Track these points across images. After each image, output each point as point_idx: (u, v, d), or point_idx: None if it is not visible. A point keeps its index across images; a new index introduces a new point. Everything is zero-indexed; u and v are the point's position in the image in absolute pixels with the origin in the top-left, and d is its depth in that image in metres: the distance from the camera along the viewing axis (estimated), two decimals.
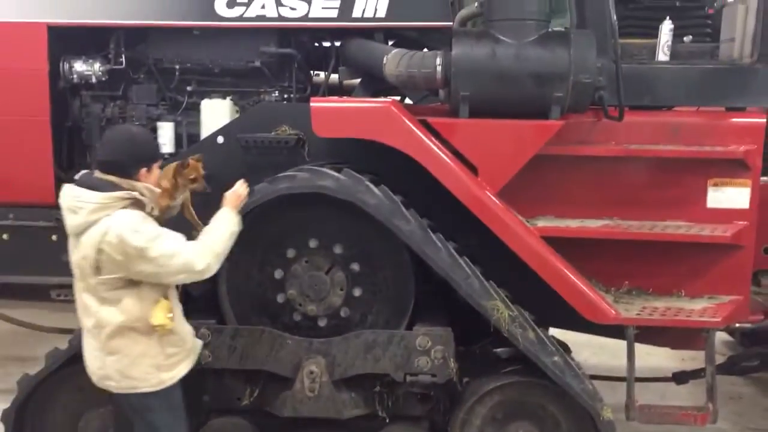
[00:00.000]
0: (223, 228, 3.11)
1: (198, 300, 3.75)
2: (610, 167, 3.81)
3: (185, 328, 3.18)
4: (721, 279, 3.77)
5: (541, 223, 3.74)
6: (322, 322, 3.78)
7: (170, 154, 4.22)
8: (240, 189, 3.31)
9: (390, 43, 4.30)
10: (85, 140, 4.45)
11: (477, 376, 3.76)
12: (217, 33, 4.24)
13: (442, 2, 4.06)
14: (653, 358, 5.03)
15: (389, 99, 4.03)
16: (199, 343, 3.32)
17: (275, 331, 3.68)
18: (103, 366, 3.00)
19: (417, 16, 4.11)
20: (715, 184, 3.74)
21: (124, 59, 4.35)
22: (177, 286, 3.16)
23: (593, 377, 4.01)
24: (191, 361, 3.19)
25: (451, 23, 3.93)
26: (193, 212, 3.51)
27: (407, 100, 4.68)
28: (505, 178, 3.62)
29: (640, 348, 3.76)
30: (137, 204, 2.94)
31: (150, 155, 3.06)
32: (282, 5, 4.10)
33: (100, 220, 2.84)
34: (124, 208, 2.89)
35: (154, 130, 4.33)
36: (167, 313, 2.99)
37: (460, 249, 3.66)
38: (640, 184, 3.82)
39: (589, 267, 3.70)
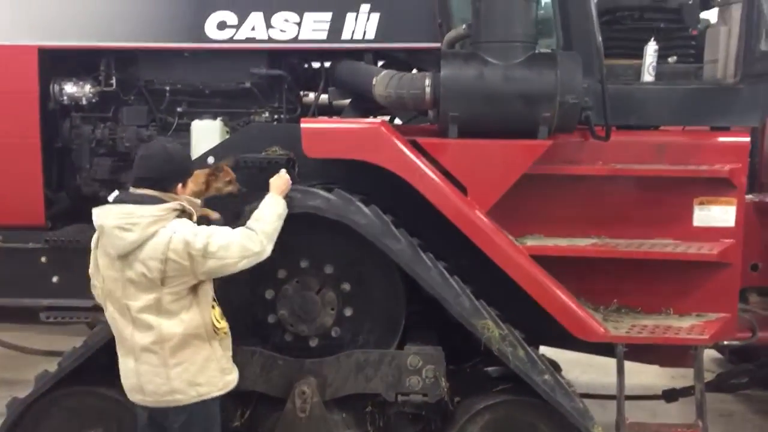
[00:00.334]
0: (270, 210, 3.20)
1: None
2: (598, 186, 3.85)
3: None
4: (708, 296, 3.81)
5: (530, 242, 3.77)
6: (313, 343, 3.78)
7: None
8: (284, 173, 3.42)
9: (379, 64, 4.34)
10: (75, 162, 4.45)
11: (468, 395, 3.76)
12: (207, 55, 4.26)
13: (431, 24, 4.11)
14: (643, 375, 5.05)
15: (379, 119, 4.07)
16: None
17: (266, 351, 3.68)
18: (168, 381, 2.96)
19: (405, 37, 4.15)
20: (701, 203, 3.79)
21: (114, 81, 4.36)
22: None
23: (584, 395, 4.02)
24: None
25: (440, 45, 3.98)
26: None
27: (397, 121, 4.72)
28: (494, 197, 3.66)
29: (630, 366, 3.78)
30: (184, 213, 3.01)
31: (185, 171, 3.11)
32: (272, 27, 4.14)
33: (157, 232, 2.87)
34: (176, 218, 2.95)
35: None
36: (221, 316, 3.11)
37: (450, 268, 3.68)
38: (628, 203, 3.86)
39: (578, 285, 3.73)
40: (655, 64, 3.84)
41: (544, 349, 4.07)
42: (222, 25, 4.15)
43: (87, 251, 3.18)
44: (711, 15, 4.23)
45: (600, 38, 3.62)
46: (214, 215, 3.48)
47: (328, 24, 4.12)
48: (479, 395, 3.72)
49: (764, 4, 3.54)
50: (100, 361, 3.87)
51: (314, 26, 4.14)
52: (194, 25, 4.17)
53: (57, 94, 4.31)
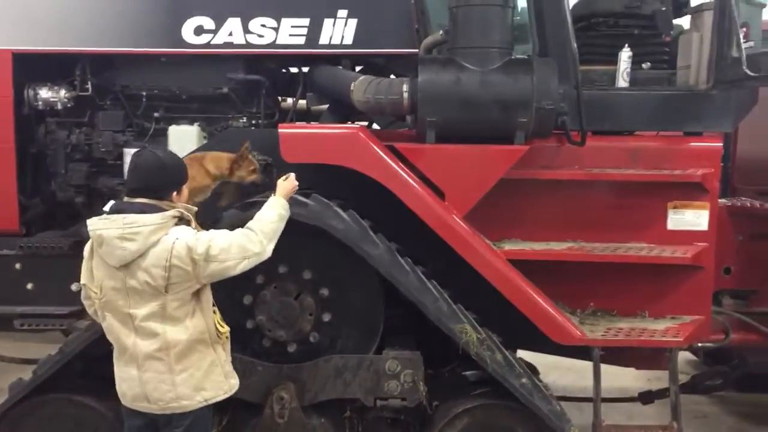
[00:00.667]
0: (271, 211, 3.20)
1: None
2: (574, 191, 3.89)
3: None
4: (682, 299, 3.86)
5: (508, 246, 3.80)
6: (291, 348, 3.77)
7: None
8: (292, 178, 3.41)
9: (357, 69, 4.35)
10: (50, 167, 4.40)
11: (446, 399, 3.77)
12: (184, 60, 4.24)
13: (408, 30, 4.13)
14: (620, 378, 5.09)
15: (357, 125, 4.08)
16: None
17: (245, 357, 3.66)
18: (174, 387, 2.94)
19: (383, 43, 4.17)
20: (675, 207, 3.84)
21: (90, 86, 4.32)
22: None
23: (561, 398, 4.06)
24: None
25: (417, 50, 4.00)
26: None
27: (375, 126, 4.73)
28: (472, 202, 3.68)
29: (606, 369, 3.82)
30: (182, 220, 3.01)
31: (179, 179, 3.08)
32: (249, 32, 4.13)
33: (160, 240, 2.87)
34: (176, 225, 2.95)
35: (121, 156, 4.32)
36: (222, 320, 3.12)
37: (428, 273, 3.69)
38: (603, 207, 3.90)
39: (555, 289, 3.76)
40: (629, 70, 3.89)
41: (522, 353, 4.10)
42: (199, 30, 4.14)
43: (61, 257, 3.16)
44: (684, 21, 4.29)
45: (575, 44, 3.66)
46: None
47: (306, 29, 4.13)
48: (457, 399, 3.73)
49: (735, 11, 3.60)
50: (76, 368, 3.85)
51: (292, 31, 4.14)
52: (171, 30, 4.15)
53: (32, 99, 4.27)
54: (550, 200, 3.91)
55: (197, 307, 3.00)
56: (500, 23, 3.70)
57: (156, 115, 4.38)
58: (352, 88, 3.88)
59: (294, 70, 4.53)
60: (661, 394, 4.57)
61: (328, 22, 4.11)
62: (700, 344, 4.33)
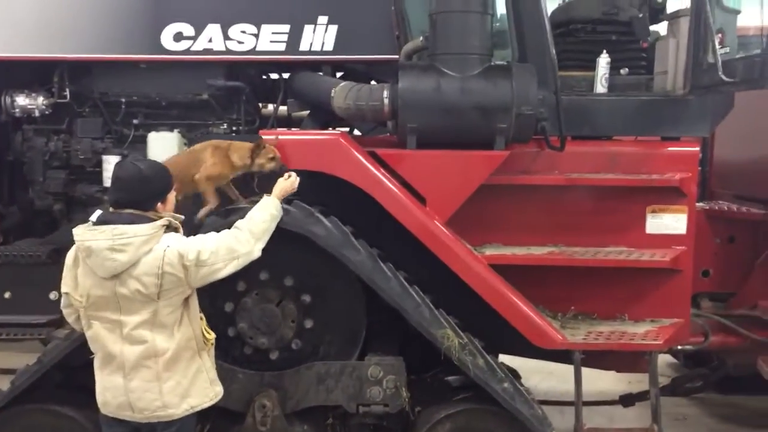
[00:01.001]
0: (263, 211, 3.23)
1: None
2: (554, 195, 3.92)
3: None
4: (662, 302, 3.90)
5: (489, 251, 3.81)
6: (273, 355, 3.75)
7: None
8: (293, 179, 3.44)
9: (338, 75, 4.36)
10: (28, 175, 4.36)
11: (429, 405, 3.76)
12: (164, 66, 4.22)
13: (388, 36, 4.14)
14: (601, 381, 5.13)
15: (338, 131, 4.08)
16: None
17: (226, 365, 3.64)
18: (161, 395, 2.93)
19: (363, 49, 4.17)
20: (654, 211, 3.87)
21: (68, 93, 4.30)
22: None
23: (542, 402, 4.08)
24: None
25: (397, 56, 4.01)
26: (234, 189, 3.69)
27: (356, 132, 4.74)
28: (453, 207, 3.70)
29: (588, 372, 3.84)
30: (170, 228, 2.99)
31: (163, 190, 3.04)
32: (229, 39, 4.12)
33: (151, 249, 2.85)
34: (165, 233, 2.94)
35: (99, 163, 4.28)
36: (207, 327, 3.12)
37: (410, 278, 3.70)
38: (583, 212, 3.93)
39: (537, 293, 3.78)
40: (607, 75, 3.93)
41: (504, 357, 4.11)
42: (179, 37, 4.12)
43: (39, 266, 3.12)
44: (661, 28, 4.35)
45: (554, 51, 3.70)
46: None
47: (286, 36, 4.13)
48: (440, 404, 3.73)
49: (710, 18, 3.64)
50: (55, 378, 3.81)
51: (272, 38, 4.14)
52: (150, 36, 4.13)
53: (8, 106, 4.23)
54: (531, 205, 3.93)
55: (185, 314, 3.00)
56: (480, 29, 3.72)
57: (135, 121, 4.35)
58: (332, 94, 3.88)
59: (274, 76, 4.53)
60: (642, 396, 4.60)
61: (308, 29, 4.11)
62: (679, 347, 4.36)
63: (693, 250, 3.88)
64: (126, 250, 2.82)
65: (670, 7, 4.21)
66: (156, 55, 4.15)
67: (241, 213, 3.31)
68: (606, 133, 4.05)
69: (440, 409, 3.70)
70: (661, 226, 3.87)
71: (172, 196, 3.11)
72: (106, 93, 4.34)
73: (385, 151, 3.76)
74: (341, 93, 3.84)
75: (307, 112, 4.42)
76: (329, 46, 4.13)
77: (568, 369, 3.81)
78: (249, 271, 3.61)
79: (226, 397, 3.57)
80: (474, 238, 3.82)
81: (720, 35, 3.84)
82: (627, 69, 4.09)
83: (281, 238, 3.49)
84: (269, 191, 3.40)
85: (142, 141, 4.25)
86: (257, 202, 3.34)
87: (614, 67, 3.97)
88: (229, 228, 3.18)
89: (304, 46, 4.13)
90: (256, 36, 4.13)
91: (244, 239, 3.10)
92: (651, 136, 4.02)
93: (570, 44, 4.16)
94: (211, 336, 3.13)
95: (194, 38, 4.12)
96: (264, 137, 3.66)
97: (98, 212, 2.95)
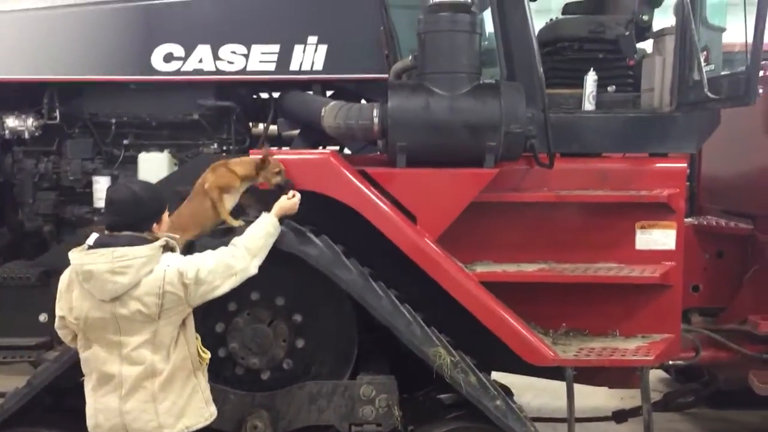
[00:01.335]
0: (260, 228, 3.26)
1: None
2: (544, 212, 3.93)
3: None
4: (652, 318, 3.90)
5: (480, 268, 3.82)
6: (265, 375, 3.73)
7: None
8: (295, 199, 3.46)
9: (328, 94, 4.38)
10: (17, 197, 4.36)
11: (421, 424, 3.75)
12: (154, 87, 4.24)
13: (378, 55, 4.17)
14: (594, 398, 5.13)
15: (328, 150, 4.09)
16: None
17: (217, 386, 3.60)
18: (156, 416, 2.90)
19: (353, 69, 4.21)
20: (643, 227, 3.89)
21: (58, 114, 4.30)
22: None
23: (535, 419, 4.07)
24: None
25: (387, 75, 4.04)
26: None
27: (346, 151, 4.75)
28: (443, 225, 3.71)
29: (581, 388, 3.84)
30: (167, 248, 3.00)
31: (157, 211, 3.04)
32: (219, 59, 4.15)
33: (152, 270, 2.86)
34: (164, 253, 2.95)
35: (89, 184, 4.28)
36: (203, 346, 3.13)
37: (401, 296, 3.70)
38: (573, 228, 3.95)
39: (528, 310, 3.79)
40: (595, 93, 3.96)
41: (496, 374, 4.11)
42: (169, 58, 4.14)
43: (29, 288, 3.10)
44: (647, 45, 4.39)
45: (541, 69, 3.73)
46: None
47: (276, 56, 4.16)
48: (432, 423, 3.72)
49: (695, 35, 3.69)
50: (45, 401, 3.78)
51: (262, 58, 4.17)
52: (141, 57, 4.14)
53: None
54: (521, 222, 3.95)
55: (182, 334, 3.01)
56: (468, 49, 3.75)
57: (125, 142, 4.36)
58: (322, 113, 3.90)
59: (265, 95, 4.55)
60: (635, 412, 4.61)
61: (298, 48, 4.14)
62: (671, 362, 4.37)
63: (682, 265, 3.89)
64: (127, 272, 2.82)
65: (656, 26, 4.26)
66: (146, 76, 4.17)
67: (237, 233, 3.31)
68: (594, 150, 4.07)
69: (433, 427, 3.69)
70: (650, 242, 3.89)
71: (166, 216, 3.12)
72: (96, 114, 4.35)
73: (375, 170, 3.77)
74: (331, 112, 3.86)
75: (298, 131, 4.44)
76: (319, 66, 4.16)
77: (560, 385, 3.81)
78: (240, 291, 3.60)
79: (217, 418, 3.56)
80: (465, 256, 3.83)
81: (705, 53, 3.89)
82: (614, 86, 4.12)
83: (272, 257, 3.48)
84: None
85: (133, 162, 4.26)
86: (251, 222, 3.35)
87: (601, 85, 4.01)
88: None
89: (294, 65, 4.16)
90: (246, 56, 4.15)
91: (241, 256, 3.12)
92: (639, 152, 4.04)
93: (557, 62, 4.20)
94: (207, 355, 3.13)
95: (184, 59, 4.14)
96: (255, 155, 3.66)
97: (95, 235, 2.94)
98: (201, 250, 3.19)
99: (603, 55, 4.16)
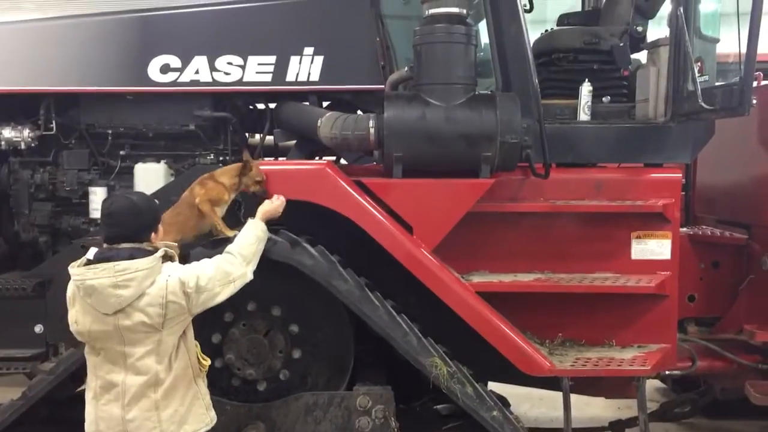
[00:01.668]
0: (248, 234, 3.30)
1: None
2: (540, 223, 3.94)
3: None
4: (648, 328, 3.90)
5: (476, 278, 3.82)
6: (261, 386, 3.73)
7: None
8: (278, 202, 3.49)
9: (324, 104, 4.40)
10: (13, 207, 4.35)
11: None
12: (151, 98, 4.25)
13: (374, 66, 4.19)
14: (590, 408, 5.12)
15: (324, 160, 4.10)
16: None
17: (213, 396, 3.58)
18: (159, 424, 2.93)
19: (349, 80, 4.22)
20: (638, 237, 3.90)
21: (54, 125, 4.30)
22: None
23: (532, 430, 4.08)
24: None
25: (383, 86, 4.05)
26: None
27: (342, 161, 4.76)
28: (440, 235, 3.71)
29: (578, 398, 3.84)
30: (166, 257, 3.03)
31: (155, 219, 3.08)
32: (216, 70, 4.16)
33: (154, 281, 2.88)
34: (164, 263, 2.98)
35: (85, 195, 4.28)
36: (202, 353, 3.16)
37: (398, 307, 3.70)
38: (569, 238, 3.95)
39: (524, 320, 3.79)
40: (590, 103, 3.98)
41: (493, 384, 4.10)
42: (165, 69, 4.15)
43: (25, 299, 3.09)
44: (641, 56, 4.42)
45: (536, 79, 3.75)
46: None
47: (273, 66, 4.16)
48: None
49: (689, 46, 3.71)
50: (41, 413, 3.76)
51: (258, 69, 4.18)
52: (137, 68, 4.15)
53: None
54: (517, 232, 3.95)
55: (183, 343, 3.04)
56: (463, 60, 3.77)
57: (122, 153, 4.36)
58: (319, 124, 3.91)
59: (261, 106, 4.56)
60: (632, 422, 4.59)
61: (294, 60, 4.16)
62: (667, 372, 4.37)
63: (678, 275, 3.90)
64: (130, 285, 2.83)
65: (650, 36, 4.28)
66: (143, 87, 4.18)
67: (228, 242, 3.32)
68: (589, 160, 4.08)
69: None
70: (646, 252, 3.90)
71: (162, 226, 3.15)
72: (93, 125, 4.35)
73: (371, 180, 3.78)
74: (327, 123, 3.87)
75: (294, 141, 4.44)
76: (315, 77, 4.17)
77: (557, 395, 3.81)
78: (236, 302, 3.61)
79: (213, 428, 3.55)
80: (461, 266, 3.83)
81: (699, 63, 3.91)
82: (609, 97, 4.13)
83: (268, 267, 3.49)
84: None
85: (129, 172, 4.26)
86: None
87: (596, 95, 4.02)
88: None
89: (290, 76, 4.17)
90: (243, 67, 4.16)
91: (238, 263, 3.17)
92: (634, 162, 4.05)
93: (553, 73, 4.21)
94: (207, 362, 3.16)
95: (181, 70, 4.15)
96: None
97: (93, 249, 2.94)
98: (196, 260, 3.19)
99: (598, 65, 4.18)
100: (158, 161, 4.30)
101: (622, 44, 4.15)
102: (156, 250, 2.97)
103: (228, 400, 3.64)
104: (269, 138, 4.52)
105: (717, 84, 3.96)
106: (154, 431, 2.93)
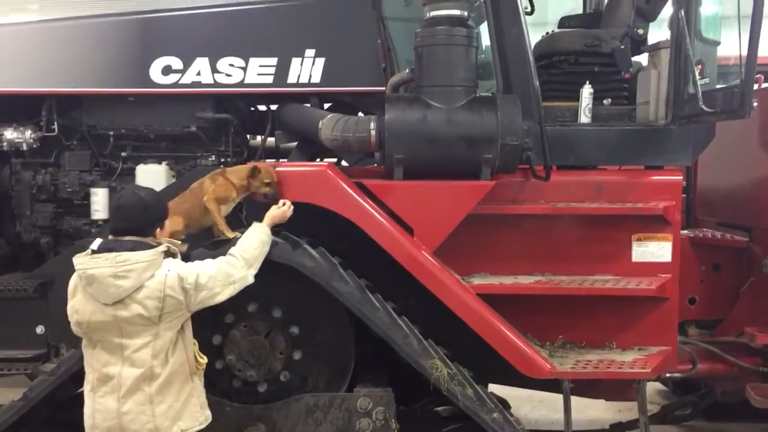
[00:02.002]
0: (253, 237, 3.33)
1: None
2: (541, 225, 3.94)
3: None
4: (649, 330, 3.90)
5: (477, 280, 3.82)
6: (262, 388, 3.74)
7: (104, 221, 4.19)
8: (285, 208, 3.50)
9: (325, 106, 4.40)
10: (15, 208, 4.36)
11: None
12: (152, 99, 4.26)
13: (375, 68, 4.19)
14: (591, 410, 5.12)
15: (325, 162, 4.11)
16: None
17: (214, 398, 3.60)
18: (153, 418, 2.96)
19: (350, 81, 4.22)
20: (639, 239, 3.90)
21: (56, 126, 4.32)
22: None
23: None
24: None
25: (384, 88, 4.06)
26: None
27: (343, 163, 4.77)
28: (441, 237, 3.71)
29: (578, 401, 3.84)
30: (169, 253, 3.07)
31: (161, 216, 3.15)
32: (218, 72, 4.16)
33: (153, 274, 2.93)
34: (165, 258, 3.02)
35: (87, 196, 4.29)
36: (200, 352, 3.18)
37: (398, 308, 3.70)
38: (569, 241, 3.95)
39: (525, 322, 3.79)
40: (590, 106, 3.97)
41: (494, 387, 4.10)
42: (167, 70, 4.16)
43: (26, 300, 3.10)
44: (642, 59, 4.42)
45: (537, 82, 3.75)
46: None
47: (274, 68, 4.17)
48: None
49: (690, 49, 3.71)
50: (41, 414, 3.77)
51: (260, 71, 4.18)
52: (139, 70, 4.16)
53: None
54: (518, 234, 3.95)
55: (180, 339, 3.06)
56: (464, 62, 3.78)
57: (123, 154, 4.37)
58: (320, 126, 3.91)
59: (262, 108, 4.57)
60: (632, 425, 4.58)
61: (296, 61, 4.16)
62: (668, 374, 4.37)
63: (679, 277, 3.90)
64: (129, 276, 2.89)
65: (651, 39, 4.28)
66: (145, 89, 4.19)
67: (231, 244, 3.32)
68: (590, 163, 4.09)
69: None
70: (646, 254, 3.90)
71: (168, 223, 3.20)
72: (95, 126, 4.36)
73: (372, 182, 3.79)
74: (328, 124, 3.88)
75: (295, 143, 4.45)
76: (316, 79, 4.18)
77: (557, 398, 3.81)
78: (237, 303, 3.62)
79: (214, 430, 3.55)
80: (462, 268, 3.83)
81: (700, 66, 3.91)
82: (610, 99, 4.13)
83: (269, 269, 3.49)
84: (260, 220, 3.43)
85: (131, 173, 4.27)
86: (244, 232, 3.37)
87: (597, 98, 4.02)
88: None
89: (291, 78, 4.18)
90: (244, 69, 4.17)
91: (240, 265, 3.20)
92: (634, 165, 4.06)
93: (554, 75, 4.21)
94: (204, 360, 3.19)
95: (183, 71, 4.16)
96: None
97: (98, 240, 3.01)
98: (199, 260, 3.21)
99: (599, 68, 4.18)
100: (159, 163, 4.31)
101: (623, 47, 4.16)
102: (159, 245, 3.02)
103: (229, 401, 3.65)
104: (270, 140, 4.53)
105: (718, 87, 3.96)
106: (148, 425, 2.95)
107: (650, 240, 3.89)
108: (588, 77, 4.04)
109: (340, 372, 3.76)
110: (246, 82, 4.18)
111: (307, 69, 4.18)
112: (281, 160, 4.55)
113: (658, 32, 4.32)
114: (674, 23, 3.81)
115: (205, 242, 3.62)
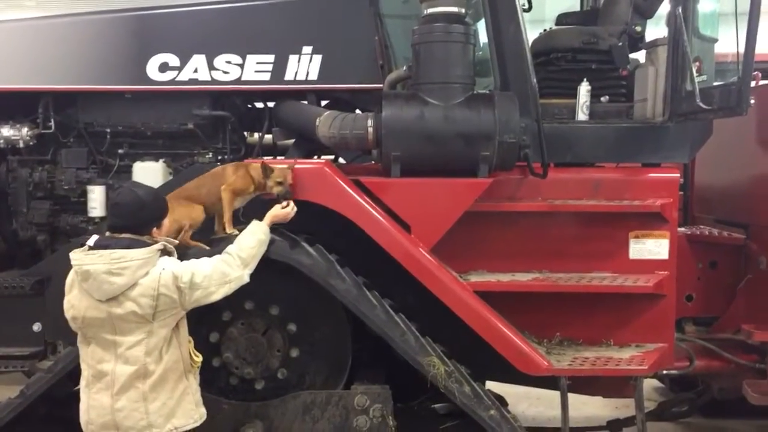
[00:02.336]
0: (251, 236, 3.31)
1: None
2: (538, 222, 3.94)
3: None
4: (646, 327, 3.90)
5: (474, 278, 3.82)
6: (259, 385, 3.74)
7: (101, 218, 4.18)
8: (288, 208, 3.50)
9: (323, 103, 4.40)
10: (12, 206, 4.35)
11: None
12: (149, 96, 4.24)
13: (372, 65, 4.19)
14: (588, 407, 5.13)
15: (322, 159, 4.10)
16: None
17: (211, 395, 3.60)
18: (147, 415, 2.96)
19: (348, 79, 4.22)
20: (636, 236, 3.90)
21: (53, 123, 4.30)
22: None
23: (530, 429, 4.08)
24: None
25: (381, 85, 4.05)
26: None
27: (341, 160, 4.76)
28: (438, 234, 3.71)
29: (575, 398, 3.85)
30: (165, 252, 3.08)
31: (159, 215, 3.15)
32: (215, 69, 4.15)
33: (148, 272, 2.93)
34: (161, 257, 3.03)
35: (84, 193, 4.28)
36: (195, 350, 3.18)
37: (396, 306, 3.70)
38: (567, 238, 3.95)
39: (522, 319, 3.79)
40: (588, 103, 3.98)
41: (490, 384, 4.11)
42: (164, 67, 4.15)
43: (23, 297, 3.10)
44: (640, 56, 4.42)
45: (535, 79, 3.75)
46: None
47: (271, 65, 4.16)
48: None
49: (688, 46, 3.71)
50: (38, 411, 3.77)
51: (257, 68, 4.17)
52: (136, 66, 4.15)
53: None
54: (515, 231, 3.95)
55: (175, 337, 3.06)
56: (462, 59, 3.77)
57: (120, 151, 4.36)
58: (317, 123, 3.91)
59: (260, 105, 4.56)
60: (629, 422, 4.59)
61: (293, 59, 4.15)
62: (665, 371, 4.38)
63: (676, 274, 3.90)
64: (123, 273, 2.90)
65: (649, 36, 4.28)
66: (141, 86, 4.17)
67: (228, 241, 3.32)
68: (588, 160, 4.08)
69: None
70: (643, 252, 3.90)
71: (166, 221, 3.20)
72: (92, 123, 4.34)
73: (369, 179, 3.78)
74: (326, 122, 3.87)
75: (292, 140, 4.44)
76: (314, 76, 4.17)
77: (555, 395, 3.82)
78: (234, 301, 3.61)
79: (211, 427, 3.55)
80: (459, 265, 3.83)
81: (698, 63, 3.91)
82: (607, 97, 4.12)
83: (267, 267, 3.49)
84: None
85: (128, 171, 4.26)
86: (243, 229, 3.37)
87: (595, 95, 4.02)
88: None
89: (288, 75, 4.16)
90: (241, 66, 4.16)
91: (236, 264, 3.19)
92: (632, 162, 4.05)
93: (551, 73, 4.21)
94: (198, 358, 3.19)
95: (180, 68, 4.14)
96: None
97: (95, 237, 3.02)
98: (195, 258, 3.20)
99: (596, 65, 4.17)
100: (157, 160, 4.29)
101: (620, 44, 4.15)
102: (155, 243, 3.02)
103: (226, 398, 3.65)
104: (268, 137, 4.52)
105: (715, 84, 3.96)
106: (142, 422, 2.96)
107: (647, 237, 3.89)
108: (585, 74, 4.04)
109: (338, 369, 3.76)
110: (243, 79, 4.17)
111: (305, 66, 4.17)
112: (278, 157, 4.54)
113: (656, 29, 4.32)
114: (672, 20, 3.82)
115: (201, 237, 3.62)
